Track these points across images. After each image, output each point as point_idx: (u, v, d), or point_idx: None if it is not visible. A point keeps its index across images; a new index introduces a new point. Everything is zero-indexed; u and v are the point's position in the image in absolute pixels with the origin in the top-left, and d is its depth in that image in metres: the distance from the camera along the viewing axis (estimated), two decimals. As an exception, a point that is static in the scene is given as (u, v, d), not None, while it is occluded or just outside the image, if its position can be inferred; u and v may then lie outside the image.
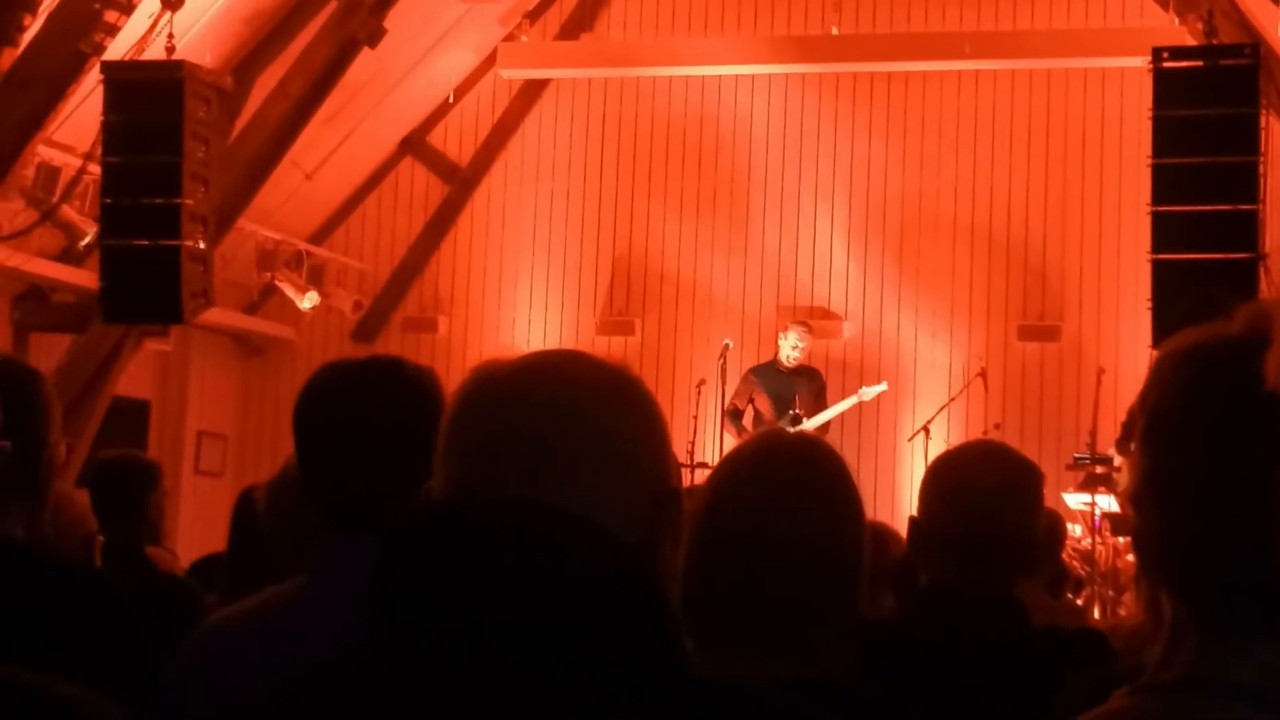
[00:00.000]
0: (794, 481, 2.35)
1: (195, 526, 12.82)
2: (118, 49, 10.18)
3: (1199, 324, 1.47)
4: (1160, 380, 1.47)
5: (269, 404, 14.54)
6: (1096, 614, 9.59)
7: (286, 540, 3.20)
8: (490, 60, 14.32)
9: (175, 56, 10.06)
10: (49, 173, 11.08)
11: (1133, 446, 1.49)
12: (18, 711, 1.14)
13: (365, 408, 2.50)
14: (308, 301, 13.71)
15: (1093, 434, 11.22)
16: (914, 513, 3.12)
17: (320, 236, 14.85)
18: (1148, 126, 9.46)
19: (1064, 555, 8.29)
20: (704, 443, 12.31)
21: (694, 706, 1.50)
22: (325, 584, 2.41)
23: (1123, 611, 9.61)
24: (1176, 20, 10.99)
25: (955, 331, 13.57)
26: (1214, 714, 1.38)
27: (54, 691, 1.28)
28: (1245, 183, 9.11)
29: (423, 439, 1.83)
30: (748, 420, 12.26)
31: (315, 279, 14.04)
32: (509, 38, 14.14)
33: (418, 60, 14.02)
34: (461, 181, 14.92)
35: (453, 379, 1.78)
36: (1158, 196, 9.33)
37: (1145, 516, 1.46)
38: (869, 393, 12.29)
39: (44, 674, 1.31)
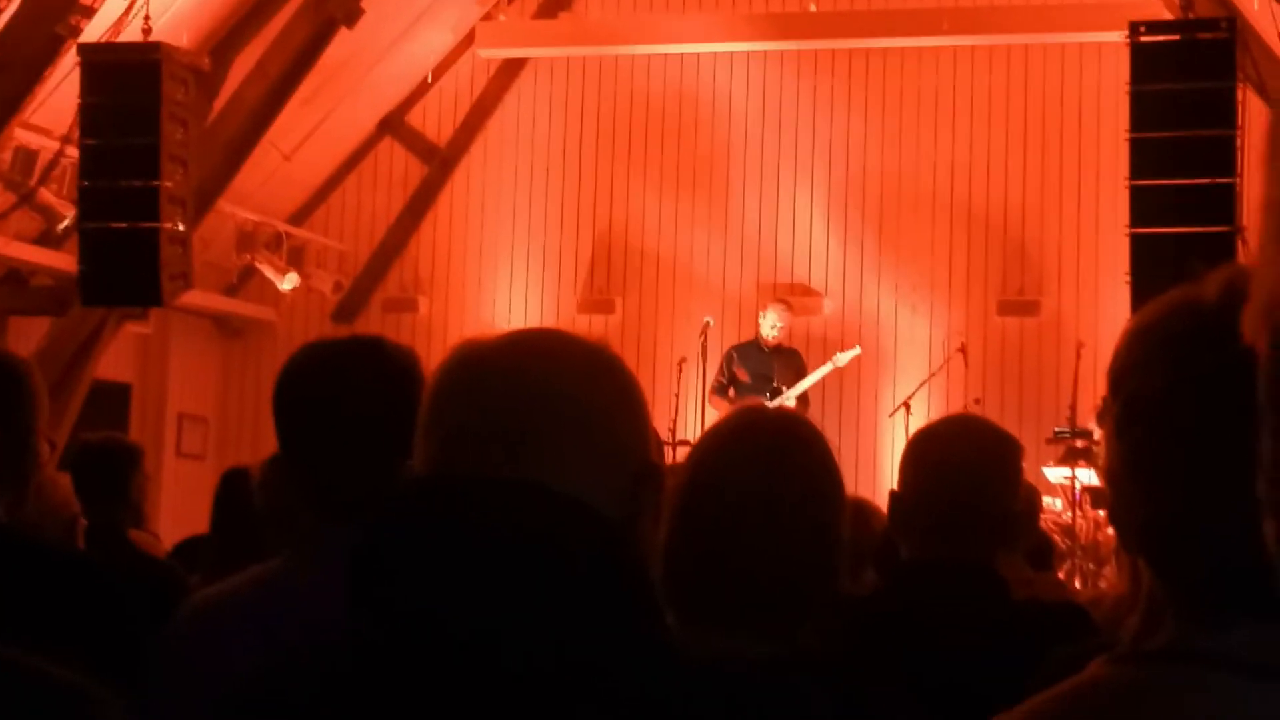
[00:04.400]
0: (774, 457, 2.36)
1: (177, 509, 12.79)
2: (94, 31, 10.13)
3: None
4: (1135, 358, 1.45)
5: (250, 386, 14.52)
6: (1078, 586, 9.62)
7: (278, 518, 3.21)
8: (468, 40, 14.28)
9: (152, 38, 10.01)
10: (26, 156, 11.03)
11: (1106, 425, 1.48)
12: (15, 693, 1.15)
13: (345, 387, 2.50)
14: (288, 283, 13.68)
15: (1072, 408, 11.25)
16: (894, 487, 3.13)
17: (299, 217, 14.81)
18: (1125, 101, 9.47)
19: (1045, 528, 8.33)
20: (685, 420, 12.33)
21: (674, 683, 1.51)
22: (307, 563, 2.42)
23: (1103, 585, 9.65)
24: (1153, -6, 10.98)
25: (935, 307, 13.58)
26: (1195, 683, 1.38)
27: (52, 676, 1.28)
28: (1223, 156, 9.12)
29: (403, 418, 1.83)
30: (731, 394, 12.30)
31: (295, 260, 14.00)
32: (487, 17, 14.10)
33: (395, 40, 13.98)
34: (441, 161, 14.89)
35: (434, 359, 1.78)
36: (1135, 170, 9.34)
37: (1123, 496, 1.46)
38: (843, 358, 12.32)
39: (38, 657, 1.31)
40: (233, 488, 4.76)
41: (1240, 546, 1.36)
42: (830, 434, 2.52)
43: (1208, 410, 1.39)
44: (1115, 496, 1.46)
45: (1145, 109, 9.32)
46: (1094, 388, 11.09)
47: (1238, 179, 9.10)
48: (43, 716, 1.44)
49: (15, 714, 1.44)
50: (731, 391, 12.29)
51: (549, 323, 13.27)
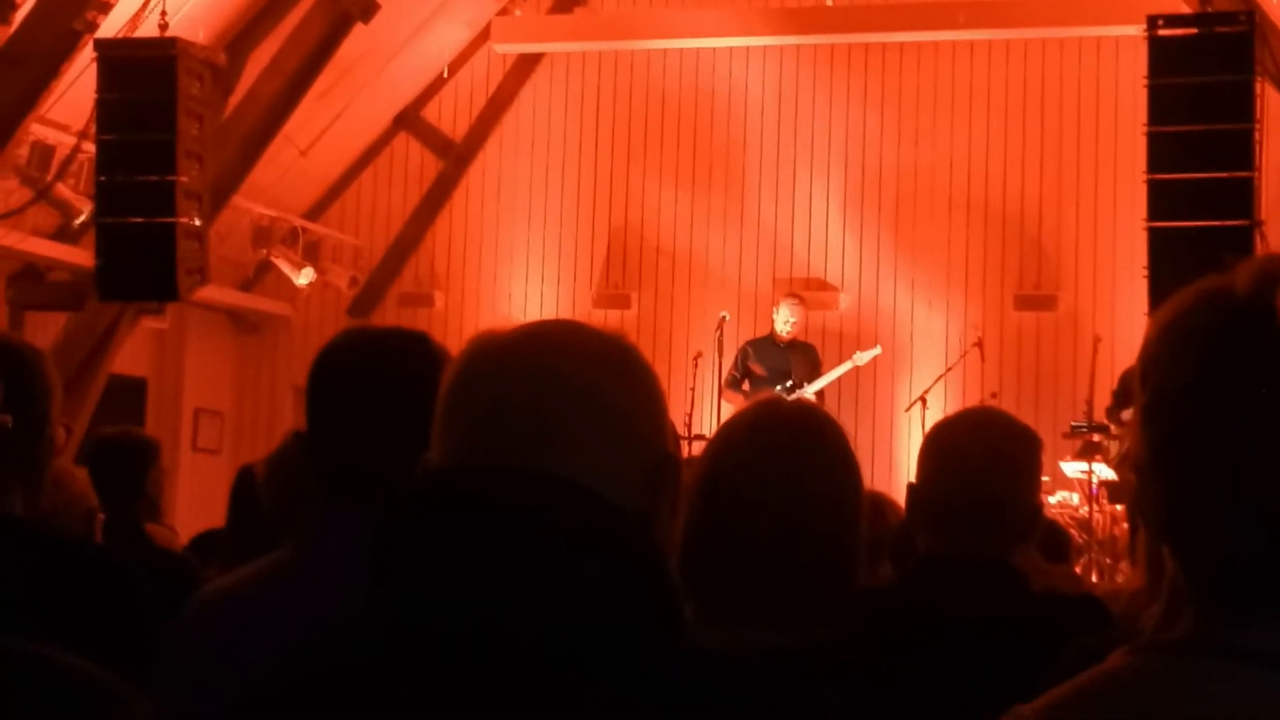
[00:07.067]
0: (792, 450, 2.36)
1: (193, 503, 12.83)
2: (111, 26, 10.16)
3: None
4: (1163, 349, 1.44)
5: (265, 380, 14.53)
6: (1094, 580, 9.61)
7: (285, 514, 3.21)
8: (484, 35, 14.29)
9: (168, 34, 10.03)
10: (43, 151, 11.06)
11: (1126, 416, 1.48)
12: (39, 687, 1.15)
13: (388, 378, 2.46)
14: (303, 278, 13.69)
15: (1089, 402, 11.24)
16: (912, 480, 3.12)
17: (315, 213, 14.83)
18: (1143, 94, 9.44)
19: (1061, 522, 8.32)
20: (701, 415, 12.33)
21: (692, 676, 1.50)
22: (317, 552, 2.41)
23: (1120, 579, 9.63)
24: (1171, -13, 10.95)
25: (952, 301, 13.57)
26: (1216, 674, 1.37)
27: (77, 670, 1.28)
28: (1241, 150, 9.10)
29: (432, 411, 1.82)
30: (745, 387, 12.29)
31: (311, 255, 14.01)
32: (503, 12, 14.10)
33: (411, 35, 13.99)
34: (456, 156, 14.90)
35: (450, 354, 1.78)
36: (1153, 164, 9.32)
37: (1148, 487, 1.44)
38: (863, 357, 12.33)
39: (57, 650, 1.31)
40: (248, 482, 4.76)
41: (1265, 538, 1.36)
42: (846, 427, 2.51)
43: (1235, 401, 1.38)
44: (1141, 485, 1.45)
45: (1163, 103, 9.30)
46: (1111, 382, 11.07)
47: (1256, 173, 9.08)
48: (67, 711, 1.44)
49: (40, 708, 1.44)
50: (746, 385, 12.29)
51: (565, 317, 13.25)
